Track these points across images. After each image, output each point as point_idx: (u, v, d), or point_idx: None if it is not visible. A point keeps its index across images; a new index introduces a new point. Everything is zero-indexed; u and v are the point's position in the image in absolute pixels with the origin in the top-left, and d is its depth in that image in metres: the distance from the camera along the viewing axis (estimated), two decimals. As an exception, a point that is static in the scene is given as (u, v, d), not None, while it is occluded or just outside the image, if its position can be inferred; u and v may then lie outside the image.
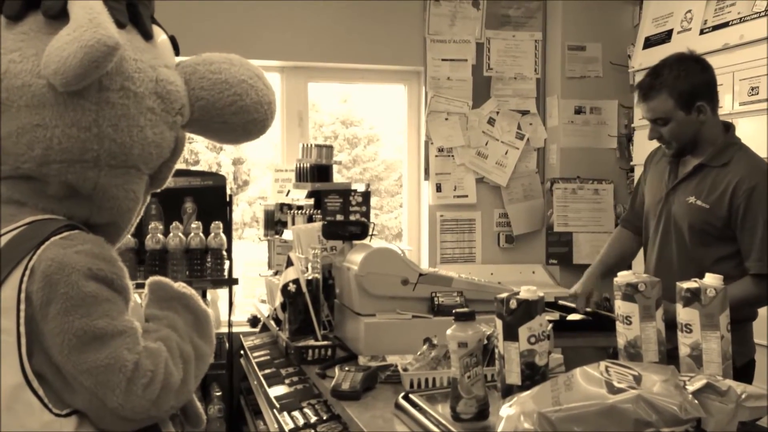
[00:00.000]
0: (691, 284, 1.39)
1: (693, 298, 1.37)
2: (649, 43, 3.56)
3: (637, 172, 3.23)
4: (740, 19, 3.01)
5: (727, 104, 3.03)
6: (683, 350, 1.40)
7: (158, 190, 1.27)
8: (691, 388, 1.16)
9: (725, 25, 3.09)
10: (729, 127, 2.34)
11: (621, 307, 1.47)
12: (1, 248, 1.05)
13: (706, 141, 2.28)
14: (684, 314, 1.39)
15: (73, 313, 1.01)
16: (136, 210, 1.20)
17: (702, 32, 3.22)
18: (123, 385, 1.02)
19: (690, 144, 2.29)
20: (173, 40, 1.26)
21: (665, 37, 3.46)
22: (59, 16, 1.07)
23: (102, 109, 1.08)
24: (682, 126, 2.25)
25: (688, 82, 2.23)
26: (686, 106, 2.23)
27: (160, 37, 1.23)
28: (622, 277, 1.49)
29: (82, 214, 1.14)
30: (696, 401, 1.12)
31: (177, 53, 1.27)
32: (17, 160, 1.08)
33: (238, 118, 1.22)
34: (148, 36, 1.18)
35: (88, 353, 1.01)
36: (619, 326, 1.48)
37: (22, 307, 1.01)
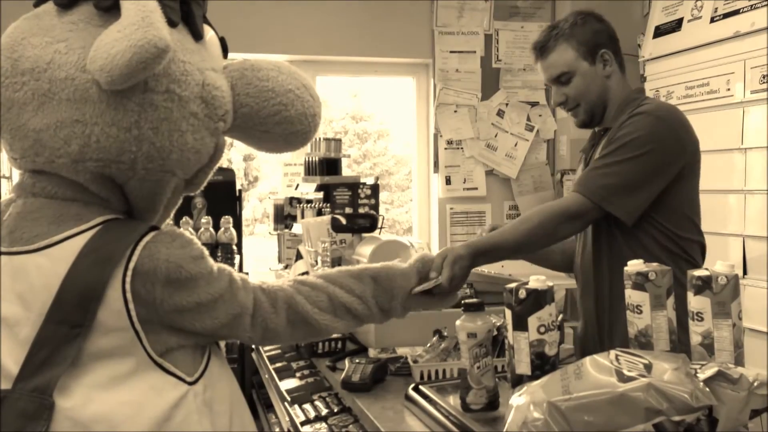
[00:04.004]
0: (702, 272, 1.37)
1: (704, 286, 1.36)
2: (659, 32, 3.54)
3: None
4: (751, 6, 2.98)
5: (738, 92, 3.01)
6: (694, 338, 1.38)
7: (192, 194, 1.27)
8: (702, 376, 1.15)
9: (736, 12, 3.06)
10: (639, 90, 2.08)
11: (631, 296, 1.46)
12: (83, 248, 1.04)
13: (615, 104, 1.98)
14: (695, 302, 1.37)
15: (197, 292, 1.08)
16: (157, 211, 1.18)
17: (713, 20, 3.20)
18: (249, 322, 1.15)
19: (599, 104, 1.98)
20: (223, 41, 1.22)
21: (675, 25, 3.43)
22: (111, 8, 1.04)
23: (145, 110, 1.04)
24: (587, 79, 1.96)
25: (588, 29, 1.98)
26: (589, 55, 1.96)
27: (209, 36, 1.19)
28: (632, 266, 1.47)
29: (122, 208, 1.14)
30: (707, 389, 1.11)
31: (225, 55, 1.23)
32: (53, 153, 1.06)
33: (281, 128, 1.18)
34: (198, 36, 1.14)
35: (218, 310, 1.11)
36: (630, 315, 1.47)
37: (131, 306, 1.02)
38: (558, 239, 1.91)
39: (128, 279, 1.02)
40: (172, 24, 1.07)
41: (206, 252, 1.14)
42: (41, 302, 1.02)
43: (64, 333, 1.01)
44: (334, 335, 2.20)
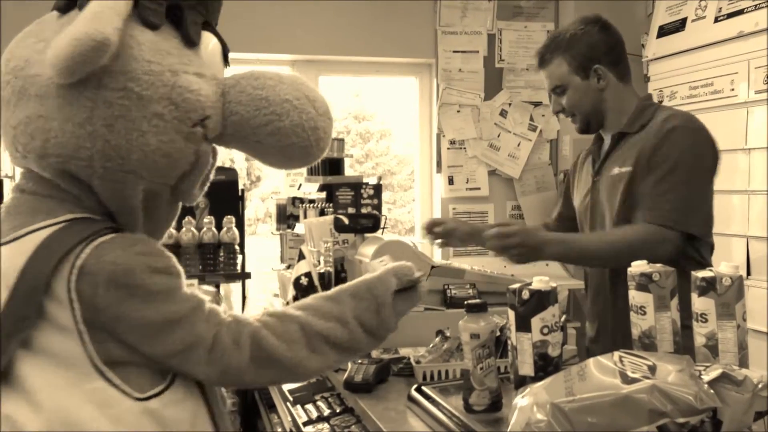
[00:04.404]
0: (707, 273, 1.37)
1: (708, 287, 1.35)
2: (663, 32, 3.53)
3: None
4: (755, 6, 2.97)
5: (742, 92, 3.00)
6: (699, 340, 1.38)
7: (191, 204, 1.23)
8: (706, 377, 1.14)
9: (740, 12, 3.05)
10: (648, 98, 2.13)
11: (635, 297, 1.45)
12: (42, 241, 1.04)
13: (616, 111, 2.03)
14: (699, 303, 1.37)
15: (149, 308, 1.03)
16: (134, 216, 1.14)
17: (716, 20, 3.19)
18: (204, 357, 1.06)
19: (594, 114, 2.05)
20: (225, 48, 1.20)
21: (679, 25, 3.43)
22: None
23: (97, 107, 1.04)
24: (579, 93, 2.02)
25: (583, 44, 2.01)
26: (582, 71, 2.01)
27: (210, 45, 1.17)
28: (636, 267, 1.47)
29: (98, 208, 1.13)
30: (712, 391, 1.10)
31: (226, 62, 1.21)
32: (24, 149, 1.08)
33: (274, 140, 1.13)
34: (189, 42, 1.12)
35: (172, 335, 1.05)
36: (634, 317, 1.47)
37: (76, 306, 1.01)
38: (631, 261, 1.95)
39: (73, 277, 1.01)
40: (152, 26, 1.08)
41: (177, 271, 1.09)
42: (2, 294, 1.02)
43: (15, 326, 1.01)
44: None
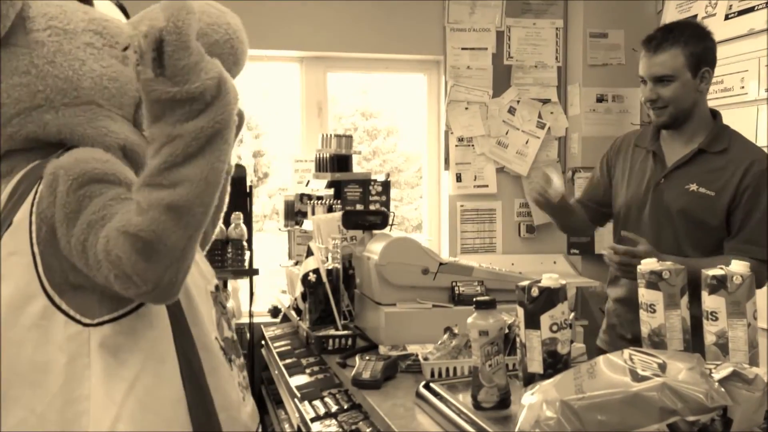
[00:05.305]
0: (717, 271, 1.36)
1: (719, 285, 1.35)
2: (673, 29, 3.51)
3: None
4: (766, 3, 2.95)
5: (752, 91, 2.99)
6: (709, 338, 1.38)
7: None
8: (717, 376, 1.14)
9: (750, 10, 3.04)
10: (716, 115, 2.22)
11: (645, 295, 1.45)
12: (13, 186, 1.08)
13: (698, 119, 2.16)
14: (710, 302, 1.36)
15: (79, 219, 0.99)
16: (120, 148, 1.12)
17: (727, 17, 3.17)
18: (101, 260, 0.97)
19: (684, 114, 2.15)
20: (122, 8, 1.30)
21: (689, 22, 3.41)
22: None
23: (34, 49, 1.10)
24: (686, 88, 2.11)
25: (700, 44, 2.13)
26: (694, 68, 2.12)
27: (104, 6, 1.24)
28: (646, 264, 1.47)
29: None
30: (722, 389, 1.10)
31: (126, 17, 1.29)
32: None
33: (201, 42, 1.14)
34: (87, 2, 1.20)
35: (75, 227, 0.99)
36: (643, 314, 1.46)
37: (34, 228, 1.02)
38: None
39: (36, 201, 1.02)
40: None
41: (119, 174, 1.04)
42: None
43: None
44: (345, 332, 2.21)
